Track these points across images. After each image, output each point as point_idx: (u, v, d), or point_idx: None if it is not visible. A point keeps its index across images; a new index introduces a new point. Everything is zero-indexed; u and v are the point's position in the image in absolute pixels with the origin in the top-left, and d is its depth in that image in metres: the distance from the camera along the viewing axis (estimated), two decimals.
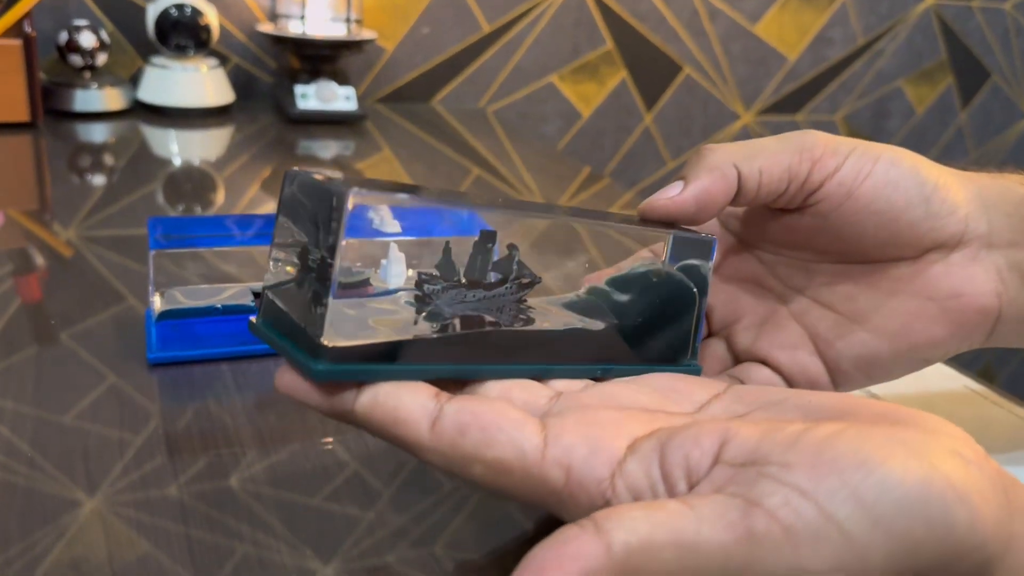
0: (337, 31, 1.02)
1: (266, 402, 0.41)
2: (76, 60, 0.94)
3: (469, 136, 1.06)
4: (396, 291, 0.28)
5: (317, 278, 0.25)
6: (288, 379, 0.26)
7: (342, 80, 1.03)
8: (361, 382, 0.25)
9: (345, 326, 0.25)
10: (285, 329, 0.26)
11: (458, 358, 0.27)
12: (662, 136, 1.39)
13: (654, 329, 0.33)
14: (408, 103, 1.20)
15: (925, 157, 0.35)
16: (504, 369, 0.28)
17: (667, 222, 0.33)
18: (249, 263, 0.55)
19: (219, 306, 0.44)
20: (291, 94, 1.00)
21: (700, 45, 1.36)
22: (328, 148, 0.96)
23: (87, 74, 0.95)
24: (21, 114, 0.87)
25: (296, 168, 0.27)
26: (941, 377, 0.50)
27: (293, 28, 1.02)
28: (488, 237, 0.28)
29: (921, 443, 0.22)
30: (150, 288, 0.44)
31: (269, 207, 0.73)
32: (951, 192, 0.34)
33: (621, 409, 0.27)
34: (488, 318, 0.28)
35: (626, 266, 0.35)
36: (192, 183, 0.81)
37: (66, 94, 0.93)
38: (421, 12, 1.17)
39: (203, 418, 0.39)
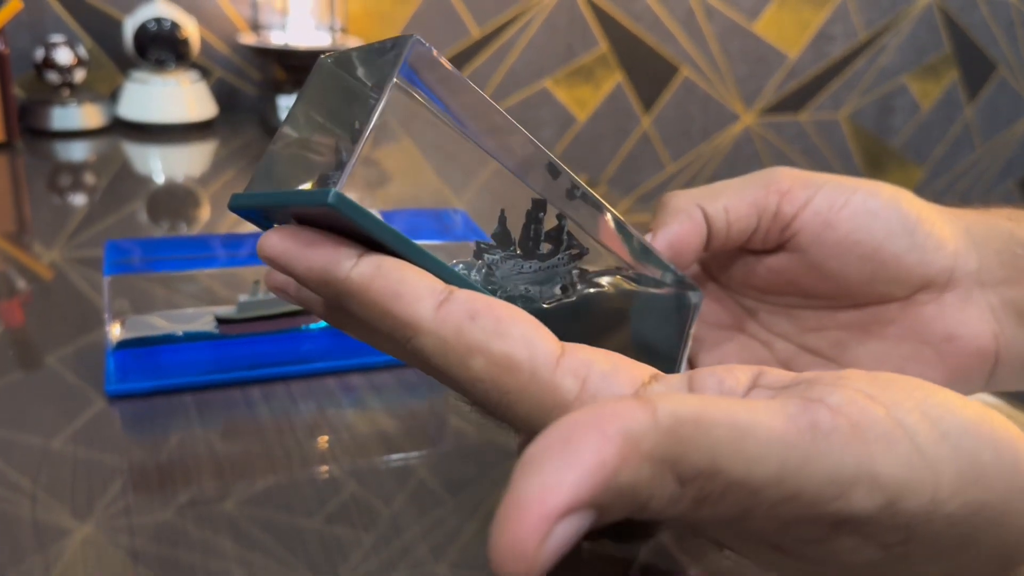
0: (321, 40, 0.99)
1: (235, 431, 0.38)
2: (53, 77, 0.92)
3: None
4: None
5: (350, 124, 0.22)
6: (273, 241, 0.22)
7: None
8: (361, 249, 0.22)
9: (369, 185, 0.23)
10: (287, 180, 0.23)
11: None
12: (661, 139, 1.36)
13: (636, 352, 0.30)
14: None
15: (907, 191, 0.33)
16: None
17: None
18: (216, 286, 0.53)
19: (180, 333, 0.41)
20: (275, 106, 0.97)
21: (697, 45, 1.33)
22: None
23: (65, 91, 0.93)
24: None
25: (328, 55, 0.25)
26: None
27: (275, 39, 0.99)
28: (539, 206, 0.27)
29: (969, 399, 0.21)
30: (106, 316, 0.41)
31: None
32: (936, 226, 0.32)
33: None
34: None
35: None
36: (176, 201, 0.79)
37: (43, 112, 0.91)
38: (408, 18, 1.15)
39: (183, 447, 0.36)
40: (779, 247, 0.33)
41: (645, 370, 0.22)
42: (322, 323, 0.45)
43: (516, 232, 0.27)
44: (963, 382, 0.33)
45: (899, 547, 0.19)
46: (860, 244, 0.32)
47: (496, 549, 0.16)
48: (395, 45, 0.23)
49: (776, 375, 0.21)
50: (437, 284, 0.22)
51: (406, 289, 0.21)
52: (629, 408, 0.17)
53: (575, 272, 0.28)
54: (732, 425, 0.18)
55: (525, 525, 0.15)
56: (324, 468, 0.36)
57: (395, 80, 0.22)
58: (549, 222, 0.28)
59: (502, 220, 0.26)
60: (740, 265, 0.35)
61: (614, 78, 1.30)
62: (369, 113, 0.22)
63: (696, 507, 0.18)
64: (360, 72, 0.24)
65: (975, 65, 1.54)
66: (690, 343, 0.33)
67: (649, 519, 0.18)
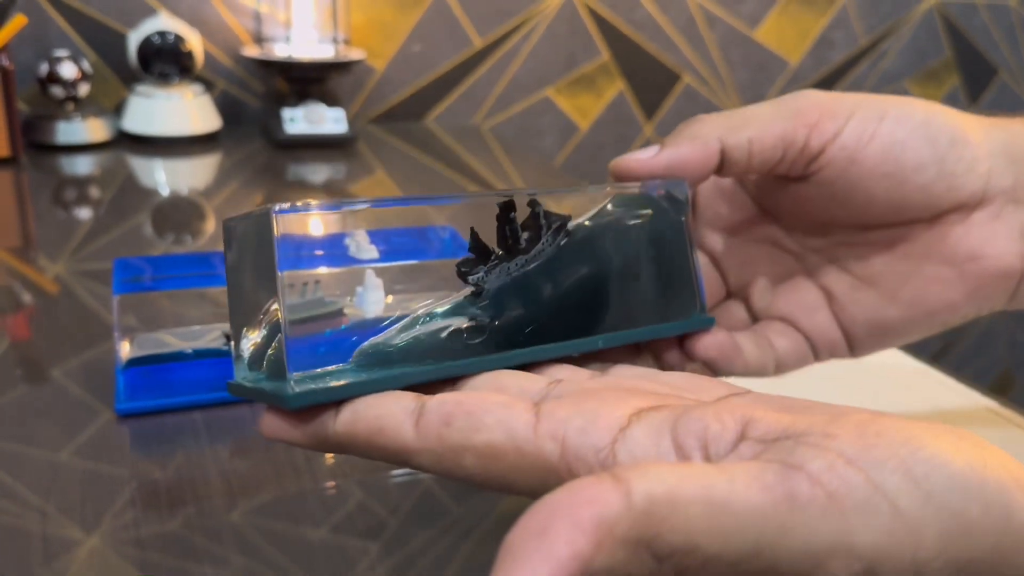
0: (324, 52, 0.99)
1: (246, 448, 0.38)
2: (57, 91, 0.92)
3: (464, 153, 1.03)
4: (385, 320, 0.26)
5: (271, 318, 0.24)
6: (269, 422, 0.24)
7: (332, 102, 1.01)
8: (339, 403, 0.24)
9: (311, 355, 0.24)
10: (260, 376, 0.25)
11: (439, 356, 0.26)
12: None
13: (645, 282, 0.31)
14: (401, 122, 1.18)
15: (945, 106, 0.32)
16: (491, 359, 0.26)
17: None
18: (224, 301, 0.53)
19: (189, 350, 0.42)
20: (279, 118, 0.97)
21: (699, 52, 1.33)
22: (319, 172, 0.93)
23: (69, 105, 0.93)
24: (1, 149, 0.84)
25: (227, 219, 0.25)
26: (956, 396, 0.47)
27: (279, 51, 0.99)
28: (508, 207, 0.27)
29: (968, 435, 0.20)
30: (115, 335, 0.41)
31: None
32: (970, 147, 0.31)
33: (628, 389, 0.24)
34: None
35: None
36: (181, 213, 0.79)
37: (48, 126, 0.91)
38: (411, 29, 1.15)
39: (187, 465, 0.36)
40: (804, 177, 0.33)
41: (623, 408, 0.22)
42: None
43: (492, 242, 0.27)
44: (983, 300, 0.33)
45: None
46: (887, 176, 0.31)
47: None
48: (265, 229, 0.24)
49: (766, 425, 0.21)
50: (409, 401, 0.23)
51: (383, 422, 0.23)
52: (602, 491, 0.17)
53: (563, 242, 0.28)
54: (707, 501, 0.18)
55: None
56: (333, 483, 0.36)
57: (279, 274, 0.23)
58: (521, 214, 0.28)
59: (474, 236, 0.27)
60: (769, 187, 0.35)
61: (616, 86, 1.30)
62: (276, 302, 0.23)
63: None
64: (255, 249, 0.25)
65: (976, 70, 1.54)
66: (694, 237, 0.32)
67: None
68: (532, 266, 0.28)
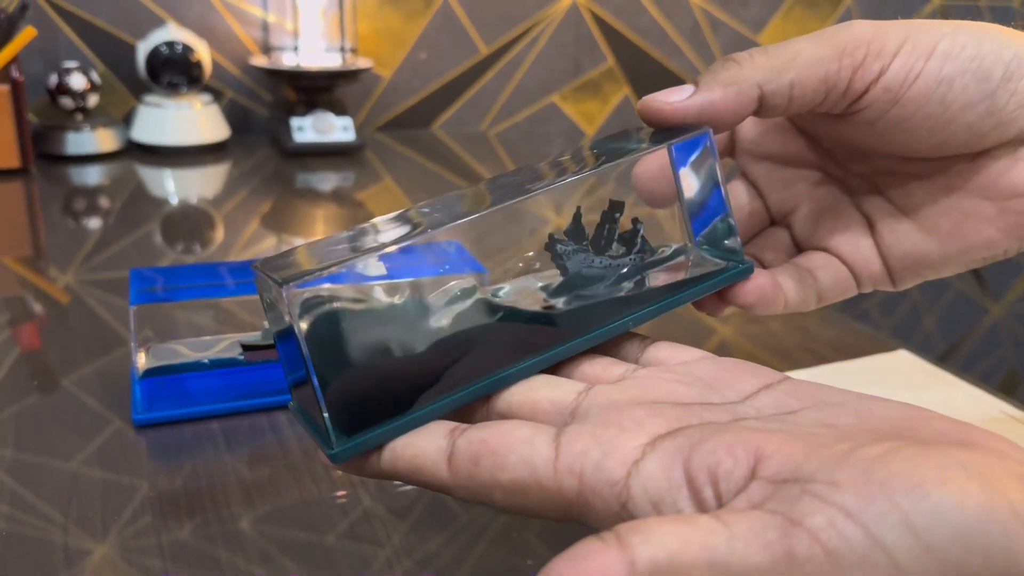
0: (332, 61, 1.00)
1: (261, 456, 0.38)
2: (67, 102, 0.92)
3: (471, 160, 1.04)
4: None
5: (305, 375, 0.24)
6: (323, 457, 0.26)
7: (339, 110, 1.01)
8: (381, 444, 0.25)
9: (351, 418, 0.25)
10: (306, 417, 0.26)
11: (469, 378, 0.26)
12: None
13: (680, 247, 0.31)
14: (408, 130, 1.18)
15: (1006, 30, 0.30)
16: (522, 368, 0.27)
17: (661, 130, 0.30)
18: (238, 310, 0.53)
19: (206, 361, 0.42)
20: (287, 127, 0.98)
21: (703, 57, 1.33)
22: (327, 180, 0.94)
23: (79, 116, 0.94)
24: (11, 160, 0.85)
25: (258, 270, 0.25)
26: (975, 402, 0.47)
27: (287, 60, 1.00)
28: (616, 207, 0.28)
29: (985, 466, 0.20)
30: (133, 345, 0.41)
31: (269, 243, 0.71)
32: None
33: (651, 405, 0.25)
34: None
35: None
36: (190, 223, 0.79)
37: (58, 137, 0.92)
38: (417, 37, 1.16)
39: (200, 474, 0.36)
40: (845, 115, 0.31)
41: (638, 438, 0.23)
42: None
43: (591, 229, 0.28)
44: (1020, 240, 0.32)
45: None
46: (931, 117, 0.30)
47: None
48: (279, 295, 0.24)
49: (777, 464, 0.21)
50: (441, 441, 0.25)
51: (420, 463, 0.25)
52: (607, 562, 0.18)
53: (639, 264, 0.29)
54: (709, 564, 0.19)
55: None
56: (348, 491, 0.37)
57: (300, 331, 0.24)
58: (625, 224, 0.29)
59: (577, 216, 0.28)
60: (810, 119, 0.34)
61: (621, 92, 1.31)
62: (309, 370, 0.24)
63: None
64: (277, 308, 0.25)
65: None
66: (724, 176, 0.32)
67: None
68: (608, 272, 0.29)
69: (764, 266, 0.35)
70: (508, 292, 0.28)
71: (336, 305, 0.25)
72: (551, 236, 0.28)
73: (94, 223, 0.78)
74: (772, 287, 0.32)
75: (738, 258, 0.31)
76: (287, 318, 0.24)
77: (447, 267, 0.34)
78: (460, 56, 1.19)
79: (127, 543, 0.33)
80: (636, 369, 0.28)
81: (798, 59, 0.30)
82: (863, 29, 0.30)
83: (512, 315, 0.27)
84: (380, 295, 0.26)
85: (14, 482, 0.36)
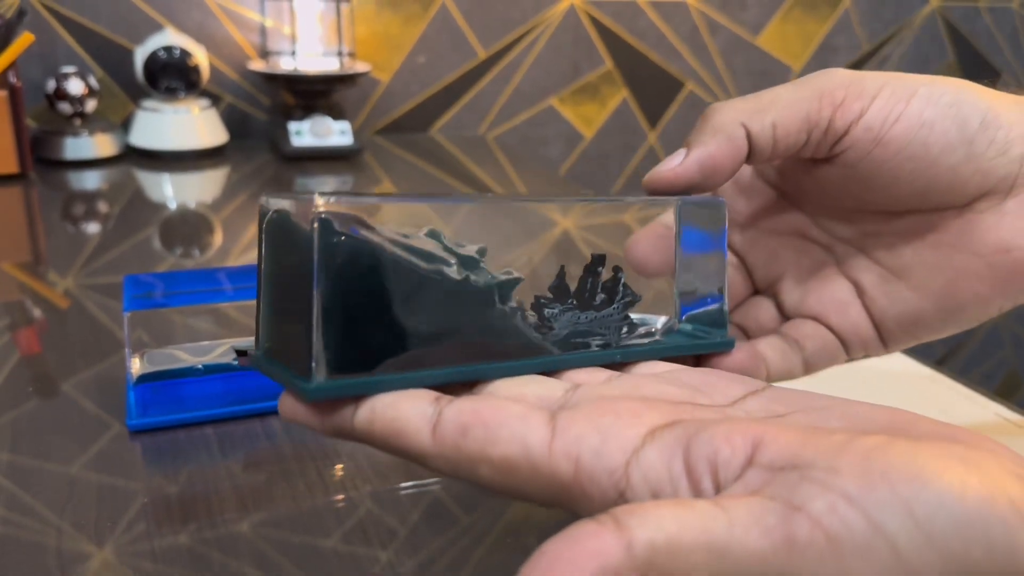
0: (330, 65, 1.00)
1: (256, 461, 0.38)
2: (65, 107, 0.93)
3: (470, 163, 1.04)
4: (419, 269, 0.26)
5: (303, 298, 0.23)
6: (288, 404, 0.24)
7: (337, 114, 1.01)
8: (359, 396, 0.24)
9: (339, 345, 0.23)
10: (280, 356, 0.25)
11: (462, 359, 0.26)
12: (667, 154, 1.37)
13: (674, 296, 0.31)
14: (406, 134, 1.19)
15: (979, 85, 0.31)
16: (512, 366, 0.27)
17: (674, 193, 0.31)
18: (235, 315, 0.53)
19: (200, 366, 0.42)
20: (285, 131, 0.98)
21: (701, 60, 1.33)
22: (325, 184, 0.94)
23: (77, 121, 0.94)
24: (10, 165, 0.85)
25: (265, 198, 0.25)
26: (971, 405, 0.47)
27: (284, 65, 1.00)
28: (598, 260, 0.29)
29: (981, 460, 0.20)
30: (127, 351, 0.41)
31: None
32: (1002, 128, 0.30)
33: (644, 400, 0.24)
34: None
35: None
36: (189, 227, 0.79)
37: (56, 142, 0.92)
38: (415, 42, 1.16)
39: (196, 480, 0.37)
40: (828, 159, 0.32)
41: (638, 427, 0.22)
42: None
43: (573, 284, 0.28)
44: (1014, 295, 0.32)
45: None
46: (912, 159, 0.30)
47: None
48: (306, 216, 0.23)
49: (775, 451, 0.21)
50: (427, 407, 0.23)
51: (400, 425, 0.23)
52: (604, 542, 0.18)
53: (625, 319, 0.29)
54: (708, 547, 0.18)
55: None
56: (344, 496, 0.37)
57: (315, 259, 0.23)
58: (606, 274, 0.29)
59: (561, 275, 0.28)
60: (792, 172, 0.34)
61: (619, 95, 1.31)
62: (311, 294, 0.23)
63: None
64: (292, 235, 0.24)
65: (979, 73, 1.54)
66: (727, 257, 0.32)
67: None
68: (595, 326, 0.29)
69: (748, 336, 0.35)
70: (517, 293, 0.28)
71: (355, 237, 0.24)
72: (537, 298, 0.28)
73: (93, 228, 0.78)
74: (751, 362, 0.32)
75: (722, 331, 0.32)
76: (306, 229, 0.23)
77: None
78: (458, 60, 1.19)
79: (121, 548, 0.33)
80: (621, 375, 0.27)
81: (778, 101, 0.31)
82: (842, 75, 0.31)
83: (515, 315, 0.27)
84: (400, 246, 0.25)
85: (12, 485, 0.36)
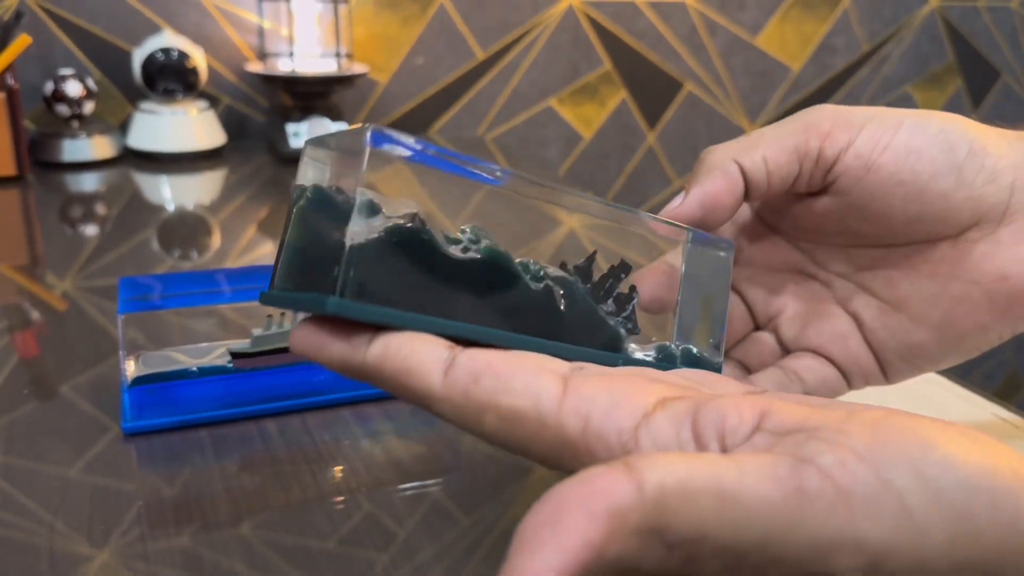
0: (328, 67, 1.00)
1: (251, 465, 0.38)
2: (63, 110, 0.93)
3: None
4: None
5: (339, 216, 0.24)
6: (299, 335, 0.24)
7: (336, 116, 1.01)
8: (375, 329, 0.24)
9: (367, 268, 0.24)
10: (301, 287, 0.25)
11: (479, 319, 0.26)
12: (666, 154, 1.37)
13: (676, 319, 0.31)
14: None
15: (966, 118, 0.32)
16: (525, 340, 0.27)
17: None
18: (232, 316, 0.53)
19: (194, 368, 0.42)
20: (283, 133, 0.98)
21: (700, 60, 1.33)
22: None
23: (75, 123, 0.94)
24: (7, 167, 0.85)
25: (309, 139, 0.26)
26: (968, 405, 0.47)
27: (282, 66, 1.00)
28: (624, 268, 0.29)
29: (980, 436, 0.20)
30: (121, 353, 0.41)
31: (266, 249, 0.71)
32: (990, 157, 0.31)
33: (652, 379, 0.25)
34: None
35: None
36: (187, 229, 0.79)
37: (54, 144, 0.92)
38: (413, 43, 1.16)
39: (193, 484, 0.36)
40: (823, 190, 0.32)
41: (649, 395, 0.23)
42: None
43: (596, 275, 0.29)
44: (1013, 322, 0.32)
45: None
46: (903, 185, 0.31)
47: None
48: (359, 141, 0.24)
49: (781, 416, 0.21)
50: (441, 350, 0.23)
51: (413, 364, 0.23)
52: (615, 482, 0.18)
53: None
54: (718, 493, 0.18)
55: None
56: (340, 498, 0.37)
57: (362, 174, 0.23)
58: (624, 287, 0.29)
59: (591, 258, 0.28)
60: (788, 208, 0.35)
61: (619, 95, 1.31)
62: (346, 216, 0.23)
63: (684, 566, 0.19)
64: (337, 165, 0.25)
65: (979, 73, 1.54)
66: (728, 300, 0.33)
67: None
68: (593, 316, 0.29)
69: (749, 371, 0.36)
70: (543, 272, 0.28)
71: (402, 162, 0.24)
72: (563, 263, 0.28)
73: (91, 230, 0.78)
74: None
75: (716, 362, 0.32)
76: (359, 142, 0.23)
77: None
78: (456, 61, 1.19)
79: (115, 551, 0.33)
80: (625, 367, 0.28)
81: (767, 136, 0.32)
82: (829, 109, 0.32)
83: (539, 291, 0.28)
84: (441, 192, 0.26)
85: (8, 487, 0.36)
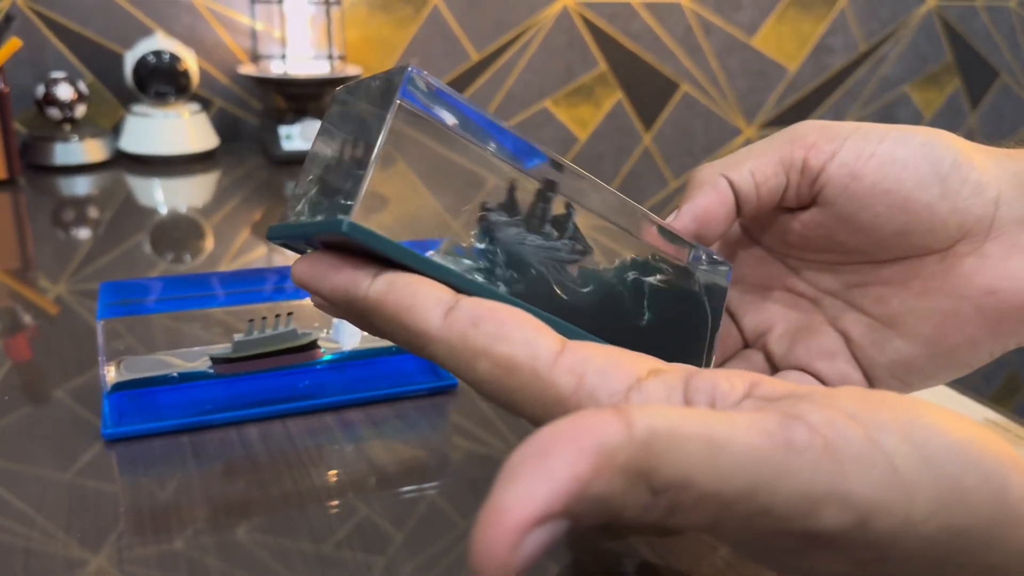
0: (320, 69, 1.00)
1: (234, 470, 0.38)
2: (54, 113, 0.92)
3: None
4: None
5: (362, 149, 0.24)
6: (303, 266, 0.24)
7: None
8: (378, 261, 0.24)
9: (384, 199, 0.24)
10: (315, 213, 0.25)
11: (485, 274, 0.26)
12: (663, 156, 1.36)
13: (665, 333, 0.31)
14: None
15: (951, 133, 0.32)
16: (531, 310, 0.26)
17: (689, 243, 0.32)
18: (217, 319, 0.53)
19: (175, 374, 0.41)
20: (276, 135, 0.97)
21: (696, 61, 1.33)
22: None
23: (67, 126, 0.94)
24: None
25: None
26: (959, 408, 0.46)
27: (275, 68, 1.00)
28: (549, 186, 0.28)
29: (969, 419, 0.21)
30: (100, 359, 0.41)
31: (259, 253, 0.71)
32: (975, 171, 0.31)
33: (645, 357, 0.25)
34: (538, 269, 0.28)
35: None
36: (179, 232, 0.79)
37: (46, 148, 0.91)
38: (407, 44, 1.15)
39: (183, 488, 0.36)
40: (812, 202, 0.33)
41: (644, 365, 0.23)
42: (318, 360, 0.45)
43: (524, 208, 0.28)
44: (1005, 336, 0.32)
45: (873, 564, 0.20)
46: (889, 194, 0.31)
47: (475, 552, 0.17)
48: (396, 73, 0.25)
49: (771, 386, 0.22)
50: (445, 294, 0.23)
51: (416, 302, 0.23)
52: (605, 421, 0.18)
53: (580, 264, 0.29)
54: (707, 439, 0.18)
55: (500, 532, 0.17)
56: (321, 505, 0.36)
57: (397, 102, 0.24)
58: (557, 209, 0.28)
59: (511, 190, 0.27)
60: (778, 224, 0.35)
61: (614, 96, 1.30)
62: (375, 139, 0.24)
63: (669, 515, 0.19)
64: (369, 99, 0.25)
65: (977, 73, 1.54)
66: (721, 319, 0.33)
67: (625, 525, 0.19)
68: (544, 253, 0.28)
69: None
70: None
71: (427, 128, 0.25)
72: (482, 204, 0.27)
73: (83, 234, 0.78)
74: None
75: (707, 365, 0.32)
76: (395, 79, 0.24)
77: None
78: (451, 63, 1.19)
79: (95, 556, 0.33)
80: None
81: (752, 151, 0.33)
82: (813, 123, 0.33)
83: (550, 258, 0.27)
84: (466, 156, 0.26)
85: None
